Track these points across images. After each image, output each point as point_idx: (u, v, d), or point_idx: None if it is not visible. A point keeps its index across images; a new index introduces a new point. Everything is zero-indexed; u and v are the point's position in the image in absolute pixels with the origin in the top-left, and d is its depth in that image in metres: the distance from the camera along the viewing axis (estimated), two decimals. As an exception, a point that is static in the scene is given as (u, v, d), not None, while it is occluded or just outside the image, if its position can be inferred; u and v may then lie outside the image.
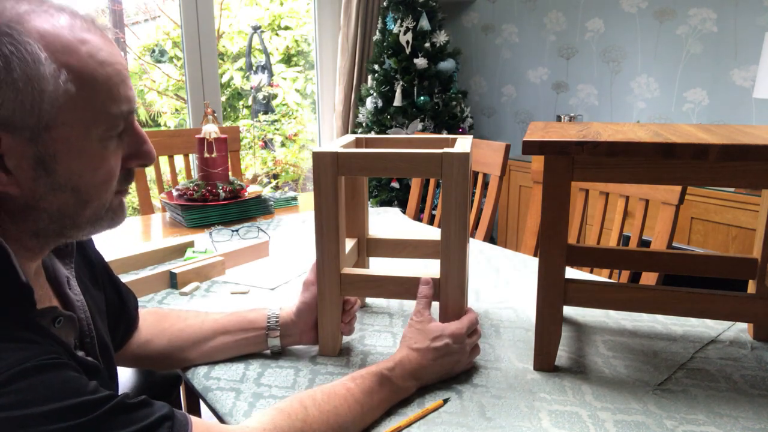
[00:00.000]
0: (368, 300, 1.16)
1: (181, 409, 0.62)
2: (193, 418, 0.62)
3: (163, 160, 2.16)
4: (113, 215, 0.66)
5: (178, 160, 2.21)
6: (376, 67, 3.21)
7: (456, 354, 0.85)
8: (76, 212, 0.61)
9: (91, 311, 0.72)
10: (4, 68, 0.53)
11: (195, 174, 1.91)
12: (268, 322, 0.92)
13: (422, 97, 3.12)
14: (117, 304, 0.85)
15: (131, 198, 4.38)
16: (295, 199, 1.98)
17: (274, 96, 4.62)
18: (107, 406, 0.53)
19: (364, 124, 3.29)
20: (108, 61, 0.59)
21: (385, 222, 1.78)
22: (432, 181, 2.08)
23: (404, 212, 2.01)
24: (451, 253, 0.86)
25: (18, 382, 0.50)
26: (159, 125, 4.68)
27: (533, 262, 1.40)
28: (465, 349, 0.87)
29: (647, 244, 1.54)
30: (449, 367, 0.86)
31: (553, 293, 0.86)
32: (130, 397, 0.56)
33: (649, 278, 1.45)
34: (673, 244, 1.47)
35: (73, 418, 0.51)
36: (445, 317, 0.89)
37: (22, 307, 0.58)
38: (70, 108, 0.57)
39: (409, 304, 1.15)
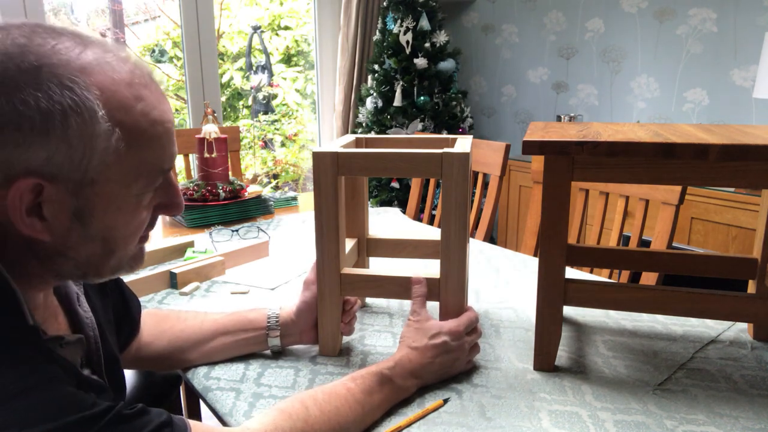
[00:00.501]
0: (368, 300, 1.16)
1: (181, 410, 0.62)
2: (192, 423, 0.62)
3: (163, 160, 2.15)
4: (133, 262, 0.66)
5: (178, 160, 2.21)
6: (376, 67, 3.21)
7: (455, 351, 0.85)
8: (102, 261, 0.61)
9: (100, 326, 0.73)
10: (61, 123, 0.52)
11: (195, 174, 1.91)
12: (268, 322, 0.92)
13: (422, 97, 3.12)
14: (121, 309, 0.85)
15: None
16: (295, 199, 1.98)
17: (274, 96, 4.62)
18: (105, 420, 0.53)
19: (364, 124, 3.29)
20: (159, 119, 0.59)
21: (385, 222, 1.78)
22: (432, 181, 2.08)
23: (404, 212, 2.01)
24: (451, 253, 0.86)
25: (16, 401, 0.50)
26: (159, 125, 4.66)
27: (533, 262, 1.40)
28: (464, 347, 0.87)
29: (647, 244, 1.54)
30: (449, 365, 0.86)
31: (553, 293, 0.86)
32: (127, 407, 0.56)
33: (649, 278, 1.45)
34: (673, 244, 1.47)
35: None
36: (445, 317, 0.89)
37: (27, 342, 0.58)
38: (117, 165, 0.56)
39: (409, 304, 1.14)
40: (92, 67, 0.54)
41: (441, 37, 3.17)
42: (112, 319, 0.80)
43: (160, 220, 1.81)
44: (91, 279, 0.64)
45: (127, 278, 1.16)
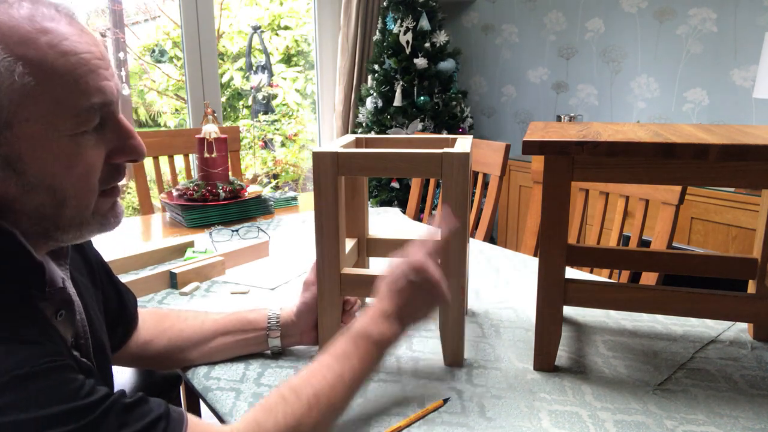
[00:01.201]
0: (368, 300, 1.16)
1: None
2: (190, 418, 0.61)
3: (163, 160, 2.16)
4: (103, 219, 0.63)
5: (178, 160, 2.21)
6: (376, 67, 3.21)
7: (425, 284, 0.79)
8: (56, 213, 0.59)
9: (88, 312, 0.72)
10: None
11: (195, 174, 1.91)
12: (269, 323, 0.92)
13: (422, 97, 3.12)
14: (116, 304, 0.85)
15: (131, 198, 4.38)
16: (295, 199, 1.98)
17: (274, 96, 4.62)
18: (102, 408, 0.53)
19: (364, 124, 3.29)
20: (72, 50, 0.55)
21: (385, 222, 1.78)
22: (432, 181, 2.08)
23: (404, 212, 2.01)
24: (451, 253, 0.86)
25: (14, 388, 0.50)
26: (159, 125, 4.68)
27: (533, 262, 1.40)
28: (434, 277, 0.79)
29: (647, 244, 1.54)
30: (424, 296, 0.80)
31: (553, 293, 0.86)
32: (126, 396, 0.56)
33: (649, 278, 1.45)
34: (673, 244, 1.47)
35: (68, 423, 0.50)
36: (445, 317, 0.89)
37: (33, 287, 0.58)
38: (30, 103, 0.54)
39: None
40: None
41: (441, 37, 3.17)
42: (103, 310, 0.80)
43: (161, 220, 1.81)
44: (57, 236, 0.61)
45: (126, 278, 1.16)
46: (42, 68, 0.54)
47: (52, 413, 0.50)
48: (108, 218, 0.64)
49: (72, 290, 0.71)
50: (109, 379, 0.78)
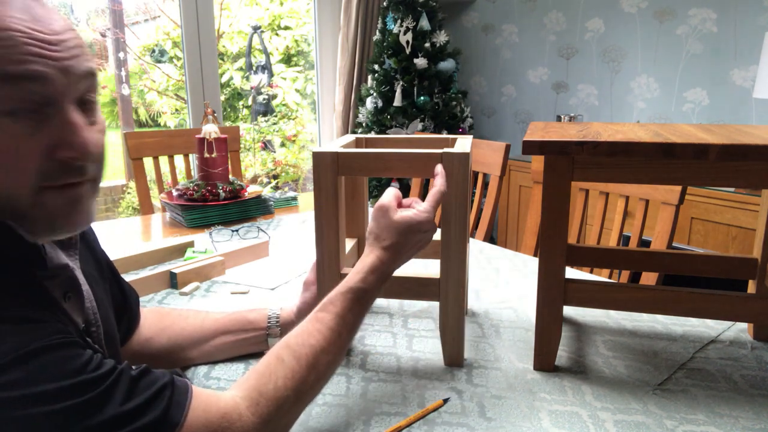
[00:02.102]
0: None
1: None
2: (194, 388, 0.60)
3: (163, 160, 2.16)
4: (52, 218, 0.58)
5: (178, 160, 2.21)
6: (376, 67, 3.21)
7: (428, 233, 0.81)
8: None
9: (98, 301, 0.72)
10: None
11: (195, 174, 1.91)
12: (269, 322, 0.92)
13: (422, 97, 3.12)
14: (120, 301, 0.86)
15: (131, 198, 4.39)
16: (295, 199, 1.98)
17: (274, 96, 4.62)
18: (109, 380, 0.53)
19: (364, 124, 3.29)
20: (6, 26, 0.52)
21: (385, 222, 1.78)
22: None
23: (404, 212, 2.01)
24: (451, 253, 0.86)
25: (22, 364, 0.50)
26: (159, 125, 4.68)
27: (533, 262, 1.40)
28: (433, 223, 0.82)
29: (647, 244, 1.54)
30: (419, 245, 0.82)
31: (553, 293, 0.86)
32: (132, 368, 0.56)
33: (649, 278, 1.45)
34: (673, 244, 1.47)
35: (74, 397, 0.51)
36: (444, 317, 0.89)
37: (33, 266, 0.58)
38: None
39: (409, 304, 1.15)
40: None
41: (441, 37, 3.17)
42: (111, 303, 0.80)
43: (161, 220, 1.81)
44: (29, 231, 0.58)
45: (126, 278, 1.15)
46: None
47: (61, 386, 0.50)
48: (60, 216, 0.59)
49: (81, 278, 0.71)
50: None
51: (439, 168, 0.84)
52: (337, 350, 0.71)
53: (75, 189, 0.59)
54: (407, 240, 0.80)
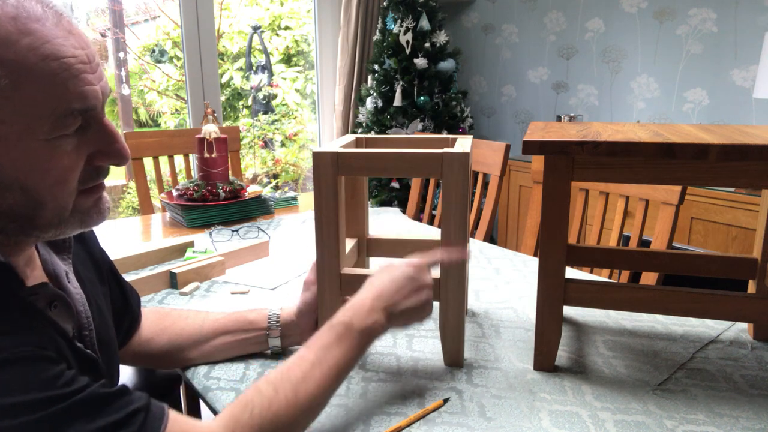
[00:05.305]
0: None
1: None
2: (172, 414, 0.59)
3: (163, 160, 2.16)
4: (84, 216, 0.62)
5: (178, 160, 2.21)
6: (376, 67, 3.21)
7: (418, 281, 0.80)
8: (33, 213, 0.58)
9: (92, 305, 0.72)
10: None
11: (195, 174, 1.91)
12: (269, 323, 0.92)
13: (422, 97, 3.12)
14: (121, 302, 0.86)
15: (131, 198, 4.39)
16: (295, 199, 1.98)
17: (274, 96, 4.62)
18: (76, 398, 0.52)
19: (364, 124, 3.29)
20: (54, 54, 0.54)
21: (385, 222, 1.78)
22: (432, 181, 2.08)
23: (404, 212, 2.01)
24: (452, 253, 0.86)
25: None
26: (159, 125, 4.68)
27: (533, 262, 1.40)
28: (428, 280, 0.81)
29: (647, 244, 1.54)
30: (415, 297, 0.80)
31: (553, 293, 0.86)
32: (105, 387, 0.55)
33: (649, 278, 1.45)
34: (673, 244, 1.47)
35: (36, 411, 0.50)
36: (444, 317, 0.89)
37: (8, 286, 0.57)
38: (6, 105, 0.53)
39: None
40: None
41: (441, 37, 3.17)
42: (110, 306, 0.80)
43: (161, 220, 1.81)
44: (36, 234, 0.60)
45: (126, 278, 1.15)
46: (20, 71, 0.53)
47: (24, 401, 0.50)
48: (90, 215, 0.63)
49: (75, 283, 0.71)
50: (115, 373, 0.77)
51: (448, 253, 0.85)
52: (319, 381, 0.69)
53: (100, 188, 0.64)
54: (383, 276, 0.80)
